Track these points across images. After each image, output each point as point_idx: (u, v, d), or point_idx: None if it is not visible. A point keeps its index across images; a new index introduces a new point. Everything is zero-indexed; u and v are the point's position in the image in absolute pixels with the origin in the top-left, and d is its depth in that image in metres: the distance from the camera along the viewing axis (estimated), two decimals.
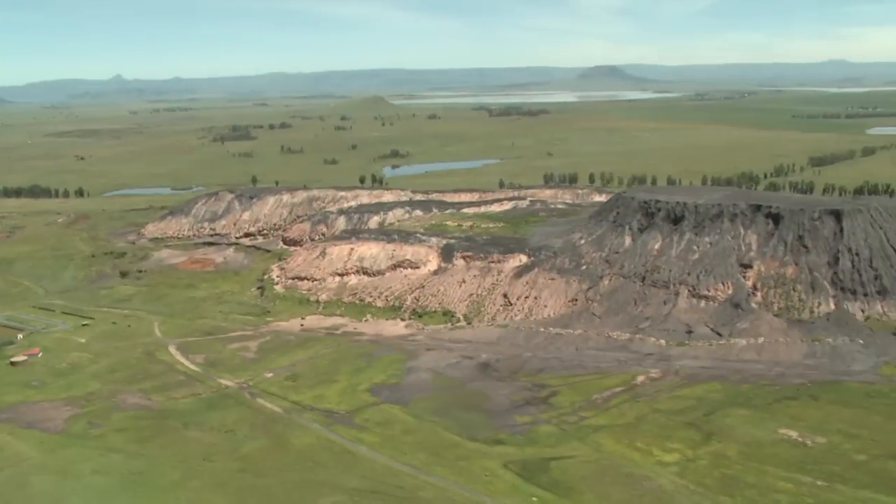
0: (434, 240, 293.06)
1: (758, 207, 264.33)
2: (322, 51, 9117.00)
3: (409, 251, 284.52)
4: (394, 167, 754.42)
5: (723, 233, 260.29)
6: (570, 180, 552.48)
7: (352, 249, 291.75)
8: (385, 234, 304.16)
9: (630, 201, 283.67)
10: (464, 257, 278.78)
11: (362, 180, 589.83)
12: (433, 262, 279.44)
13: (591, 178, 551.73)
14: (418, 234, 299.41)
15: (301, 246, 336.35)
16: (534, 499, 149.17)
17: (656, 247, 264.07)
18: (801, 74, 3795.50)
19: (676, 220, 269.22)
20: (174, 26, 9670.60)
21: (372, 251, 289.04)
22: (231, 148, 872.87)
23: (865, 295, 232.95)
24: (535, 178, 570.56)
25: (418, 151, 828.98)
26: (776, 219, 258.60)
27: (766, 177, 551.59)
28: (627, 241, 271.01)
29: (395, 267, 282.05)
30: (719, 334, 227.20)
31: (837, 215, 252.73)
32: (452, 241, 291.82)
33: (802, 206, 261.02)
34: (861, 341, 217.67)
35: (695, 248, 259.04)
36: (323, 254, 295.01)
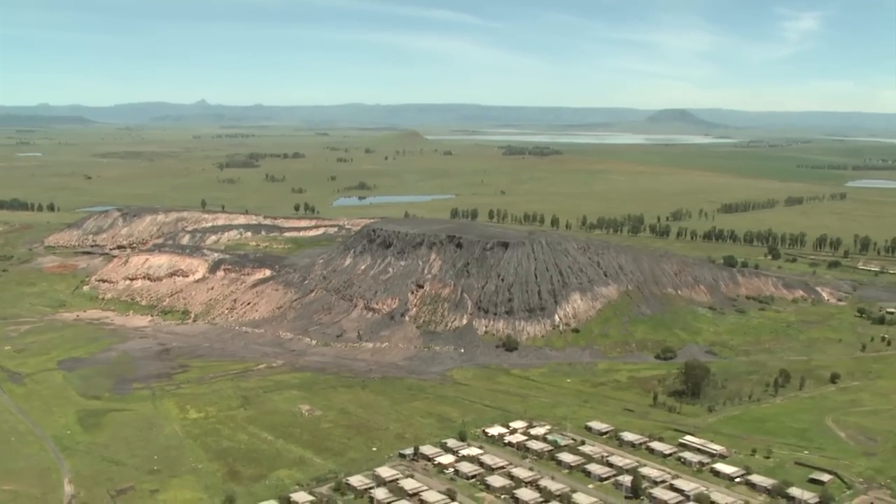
0: (215, 255, 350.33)
1: (452, 237, 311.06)
2: (401, 83, 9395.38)
3: (185, 262, 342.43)
4: (360, 198, 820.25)
5: (417, 257, 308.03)
6: (472, 216, 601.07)
7: (146, 259, 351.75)
8: (179, 248, 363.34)
9: (363, 229, 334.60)
10: (225, 269, 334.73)
11: (297, 208, 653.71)
12: (200, 272, 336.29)
13: (491, 215, 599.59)
14: (204, 250, 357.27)
15: None
16: (68, 431, 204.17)
17: (363, 267, 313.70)
18: (880, 124, 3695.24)
19: (388, 246, 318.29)
20: (259, 55, 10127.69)
21: (160, 261, 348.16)
22: (224, 174, 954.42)
23: (495, 314, 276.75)
24: (446, 213, 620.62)
25: (389, 185, 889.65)
26: (461, 247, 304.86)
27: (658, 220, 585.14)
28: (347, 261, 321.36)
29: (171, 275, 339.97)
30: (360, 338, 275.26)
31: (507, 246, 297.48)
32: (227, 256, 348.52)
33: (484, 238, 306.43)
34: (462, 350, 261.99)
35: (390, 269, 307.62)
36: (126, 262, 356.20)
